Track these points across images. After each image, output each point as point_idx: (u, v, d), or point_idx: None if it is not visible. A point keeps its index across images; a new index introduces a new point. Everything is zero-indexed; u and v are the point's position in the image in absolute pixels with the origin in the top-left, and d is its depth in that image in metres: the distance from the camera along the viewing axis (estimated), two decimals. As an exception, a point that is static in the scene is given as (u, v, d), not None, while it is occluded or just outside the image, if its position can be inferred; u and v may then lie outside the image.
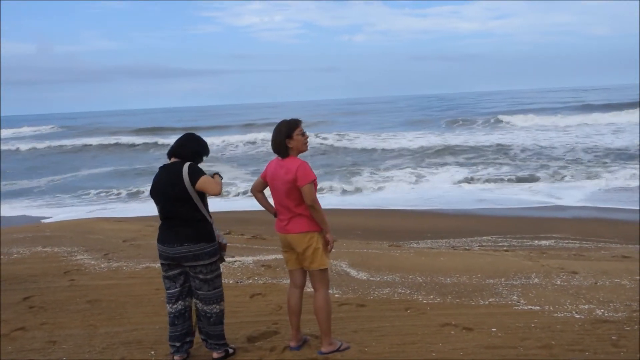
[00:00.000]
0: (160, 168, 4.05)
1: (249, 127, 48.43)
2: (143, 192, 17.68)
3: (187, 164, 3.92)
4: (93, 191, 18.78)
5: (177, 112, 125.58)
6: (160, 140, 34.98)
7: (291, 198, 3.99)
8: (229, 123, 54.99)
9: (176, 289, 4.08)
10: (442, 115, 50.02)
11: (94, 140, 38.69)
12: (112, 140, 38.41)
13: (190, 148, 4.04)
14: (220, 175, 4.10)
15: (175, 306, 4.08)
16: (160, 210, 4.02)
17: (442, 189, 16.65)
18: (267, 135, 32.76)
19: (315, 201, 3.94)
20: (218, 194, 3.91)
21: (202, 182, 3.86)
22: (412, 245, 9.04)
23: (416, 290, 5.79)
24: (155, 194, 4.01)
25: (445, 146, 26.28)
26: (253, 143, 32.44)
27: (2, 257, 7.86)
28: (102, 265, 7.21)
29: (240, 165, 24.48)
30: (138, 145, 35.01)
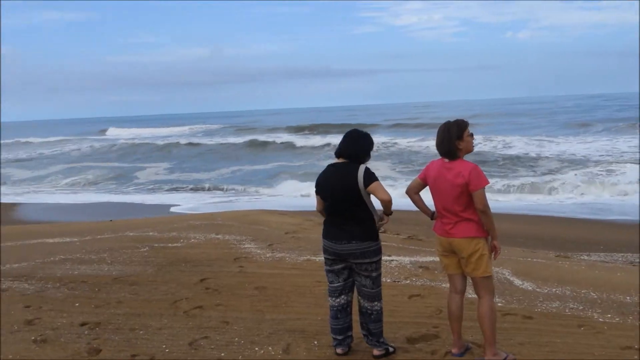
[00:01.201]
0: (330, 166, 4.16)
1: (396, 126, 48.35)
2: (302, 186, 18.43)
3: (363, 167, 4.00)
4: (255, 185, 19.99)
5: (335, 111, 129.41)
6: (319, 139, 35.99)
7: (459, 202, 3.90)
8: (381, 122, 55.30)
9: (339, 283, 4.19)
10: (613, 116, 45.67)
11: (257, 137, 41.14)
12: (274, 137, 40.54)
13: (358, 147, 4.09)
14: None
15: (337, 300, 4.20)
16: (327, 207, 4.14)
17: (613, 197, 15.20)
18: (421, 134, 32.44)
19: (487, 206, 3.83)
20: (387, 200, 3.95)
21: (374, 186, 3.95)
22: (582, 257, 8.36)
23: (590, 307, 5.34)
24: (324, 191, 4.13)
25: (616, 150, 24.00)
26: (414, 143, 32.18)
27: (182, 240, 8.69)
28: (267, 255, 7.64)
29: (393, 164, 24.49)
30: (297, 143, 36.42)
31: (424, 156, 26.39)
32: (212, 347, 4.45)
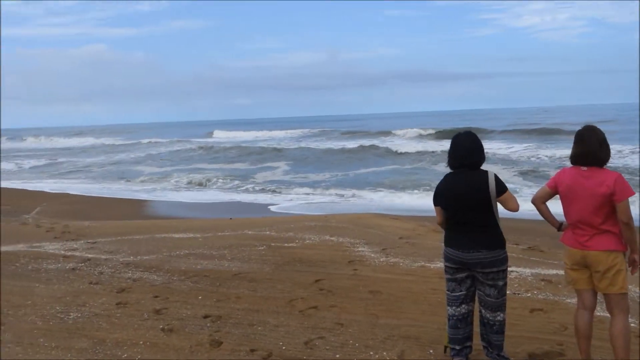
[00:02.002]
0: (451, 175, 4.05)
1: (510, 132, 46.15)
2: (414, 192, 18.21)
3: (492, 175, 3.91)
4: (366, 189, 19.99)
5: (451, 115, 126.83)
6: (432, 144, 35.06)
7: (599, 213, 3.65)
8: (496, 127, 53.08)
9: (461, 292, 4.07)
10: None
11: (369, 141, 41.17)
12: (386, 141, 40.35)
13: (471, 152, 3.97)
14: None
15: (458, 309, 4.09)
16: (452, 216, 4.03)
17: None
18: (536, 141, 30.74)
19: (631, 218, 3.57)
20: (517, 210, 3.89)
21: (507, 196, 3.90)
22: None
23: None
24: (446, 200, 4.03)
25: None
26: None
27: (298, 241, 8.90)
28: (381, 259, 7.61)
29: (505, 169, 23.41)
30: (410, 148, 35.86)
31: (538, 163, 25.08)
32: (327, 347, 4.51)
